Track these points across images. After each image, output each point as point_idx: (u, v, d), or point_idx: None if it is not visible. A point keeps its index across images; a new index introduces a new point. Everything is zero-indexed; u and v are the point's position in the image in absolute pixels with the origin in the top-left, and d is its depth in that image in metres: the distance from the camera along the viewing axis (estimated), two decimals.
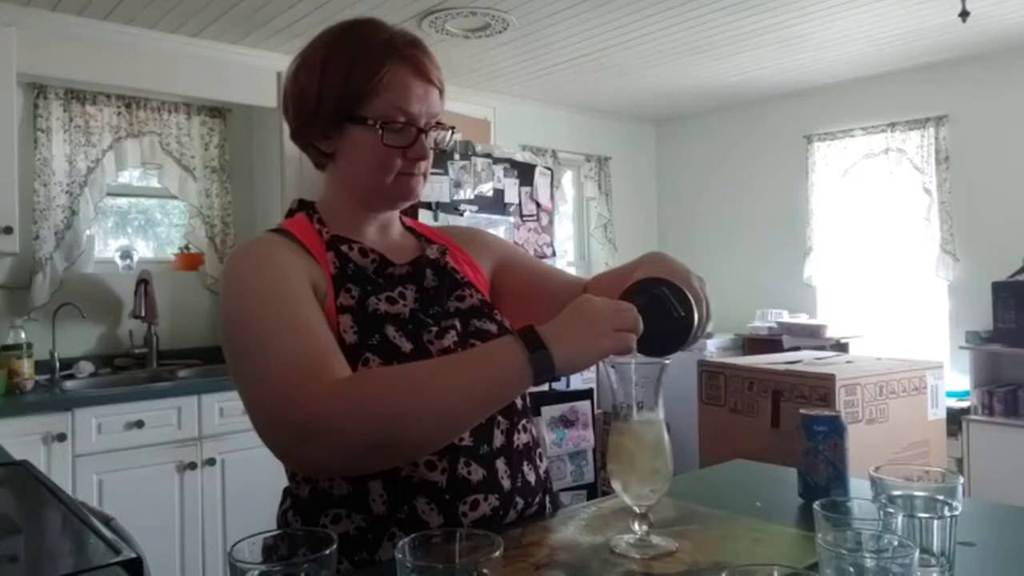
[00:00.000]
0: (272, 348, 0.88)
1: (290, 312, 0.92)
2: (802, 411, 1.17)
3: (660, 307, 0.93)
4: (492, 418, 1.02)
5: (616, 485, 0.93)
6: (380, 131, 1.00)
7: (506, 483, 1.02)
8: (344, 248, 1.05)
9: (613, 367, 0.92)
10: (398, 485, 0.97)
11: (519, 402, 1.08)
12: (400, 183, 1.04)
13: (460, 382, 0.85)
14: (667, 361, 0.93)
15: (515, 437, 1.06)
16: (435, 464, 0.97)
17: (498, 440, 1.03)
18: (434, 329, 1.03)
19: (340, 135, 1.03)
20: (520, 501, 1.04)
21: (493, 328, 1.08)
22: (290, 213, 1.13)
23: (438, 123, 1.07)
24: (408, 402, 0.83)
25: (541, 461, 1.12)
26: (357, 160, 1.04)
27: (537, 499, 1.08)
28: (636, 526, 0.94)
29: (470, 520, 0.98)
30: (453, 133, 1.10)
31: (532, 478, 1.07)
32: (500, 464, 1.02)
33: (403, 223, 1.18)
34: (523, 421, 1.09)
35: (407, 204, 1.11)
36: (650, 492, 0.92)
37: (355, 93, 1.00)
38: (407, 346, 0.99)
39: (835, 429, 1.13)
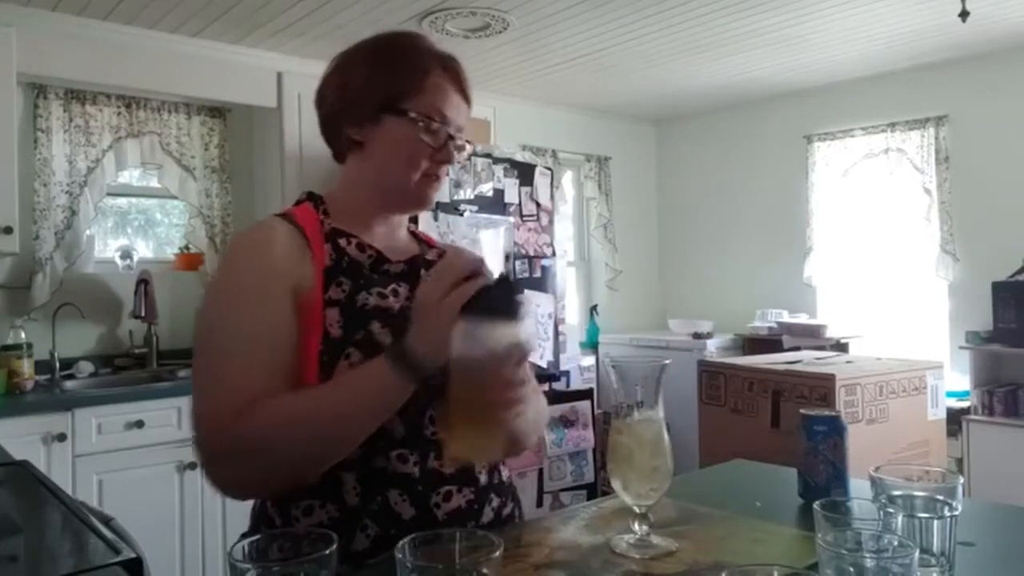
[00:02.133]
0: (210, 374, 0.97)
1: (241, 335, 0.97)
2: (802, 411, 1.17)
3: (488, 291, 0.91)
4: None
5: (616, 484, 0.93)
6: (421, 124, 1.05)
7: (483, 478, 1.06)
8: (342, 241, 1.07)
9: (614, 367, 0.93)
10: (371, 476, 0.98)
11: None
12: (421, 185, 1.08)
13: (341, 406, 0.92)
14: (667, 361, 0.93)
15: None
16: (407, 457, 0.99)
17: None
18: None
19: (376, 125, 1.07)
20: (496, 499, 1.07)
21: None
22: (298, 203, 1.14)
23: (464, 139, 1.12)
24: (298, 441, 0.93)
25: (504, 467, 1.16)
26: (388, 151, 1.08)
27: (510, 501, 1.11)
28: (636, 526, 0.94)
29: (444, 512, 1.00)
30: (473, 150, 1.15)
31: (505, 478, 1.13)
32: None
33: (409, 230, 1.22)
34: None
35: (419, 211, 1.15)
36: (650, 491, 0.92)
37: (403, 87, 1.06)
38: (389, 342, 0.99)
39: (835, 429, 1.13)
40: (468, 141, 1.13)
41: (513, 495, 1.14)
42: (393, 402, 0.92)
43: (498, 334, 0.85)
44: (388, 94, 1.06)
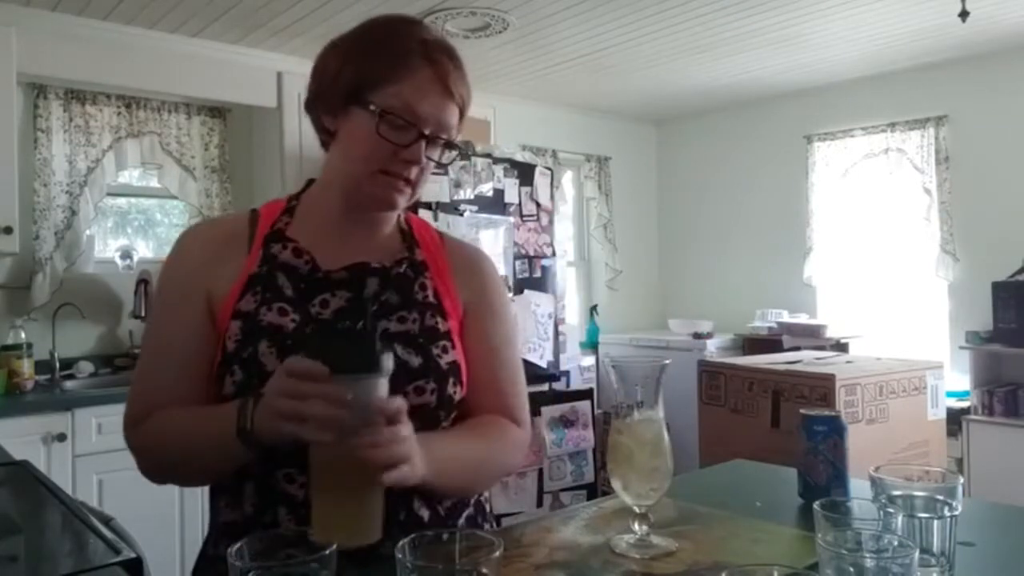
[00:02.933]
0: (134, 378, 1.04)
1: (161, 340, 1.02)
2: (802, 411, 1.17)
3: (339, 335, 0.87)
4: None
5: (616, 484, 0.93)
6: (378, 119, 0.96)
7: (401, 515, 0.96)
8: (276, 248, 1.01)
9: (614, 367, 0.93)
10: (267, 490, 0.96)
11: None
12: (379, 184, 0.99)
13: (200, 446, 0.94)
14: (667, 361, 0.92)
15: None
16: (294, 478, 0.94)
17: None
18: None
19: (345, 114, 1.00)
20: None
21: (416, 361, 0.98)
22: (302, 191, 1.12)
23: (447, 141, 1.01)
24: (166, 454, 0.99)
25: (442, 503, 1.02)
26: (349, 144, 1.01)
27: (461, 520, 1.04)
28: (636, 526, 0.94)
29: None
30: (459, 154, 1.07)
31: (426, 515, 0.99)
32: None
33: (400, 224, 1.11)
34: None
35: (381, 211, 1.04)
36: (649, 491, 0.92)
37: (371, 77, 0.97)
38: (274, 364, 0.93)
39: (835, 429, 1.13)
40: (452, 144, 1.02)
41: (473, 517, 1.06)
42: (239, 457, 0.90)
43: (360, 389, 0.77)
44: (357, 83, 0.98)
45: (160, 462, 1.01)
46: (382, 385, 0.79)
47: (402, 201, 1.02)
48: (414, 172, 1.00)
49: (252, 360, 0.94)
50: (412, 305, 1.03)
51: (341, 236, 1.04)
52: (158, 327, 1.03)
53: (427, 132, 0.98)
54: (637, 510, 0.93)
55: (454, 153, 1.04)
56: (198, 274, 1.01)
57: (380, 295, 1.01)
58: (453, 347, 1.03)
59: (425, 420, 0.96)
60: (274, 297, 0.98)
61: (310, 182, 1.12)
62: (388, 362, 0.79)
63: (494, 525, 1.15)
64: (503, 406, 1.08)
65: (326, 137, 1.06)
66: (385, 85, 0.97)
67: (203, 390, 0.98)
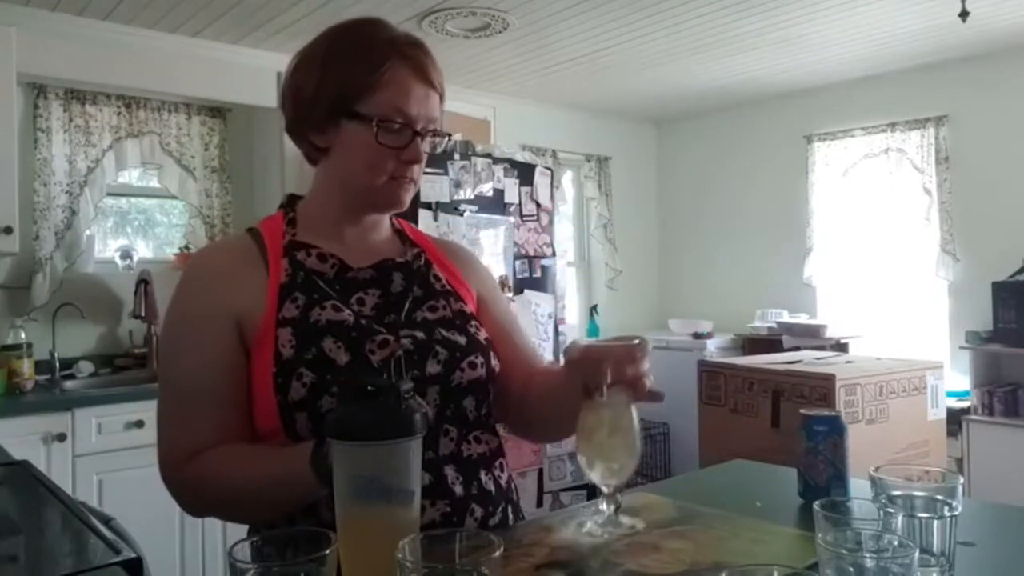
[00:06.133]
0: (164, 418, 1.01)
1: (193, 376, 0.98)
2: (802, 411, 1.17)
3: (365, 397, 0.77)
4: (438, 425, 1.01)
5: (581, 462, 0.95)
6: (376, 129, 0.99)
7: (458, 489, 1.00)
8: (300, 255, 1.03)
9: (586, 346, 0.94)
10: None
11: (472, 413, 1.06)
12: (389, 188, 1.03)
13: (262, 490, 0.92)
14: (636, 341, 0.93)
15: (464, 447, 1.04)
16: None
17: (446, 447, 1.02)
18: (379, 338, 0.99)
19: (335, 130, 1.02)
20: (479, 509, 1.02)
21: (462, 339, 1.05)
22: (281, 206, 1.12)
23: (434, 130, 1.05)
24: (219, 494, 0.97)
25: (503, 471, 1.11)
26: (349, 157, 1.02)
27: (500, 508, 1.07)
28: (603, 505, 0.95)
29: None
30: (449, 139, 1.09)
31: (492, 487, 1.06)
32: (449, 471, 1.00)
33: (394, 225, 1.16)
34: (477, 432, 1.07)
35: (392, 211, 1.09)
36: (612, 469, 0.93)
37: (354, 88, 0.99)
38: (344, 358, 0.96)
39: (835, 429, 1.13)
40: (440, 133, 1.06)
41: (508, 500, 1.10)
42: (307, 498, 0.90)
43: (371, 459, 0.72)
44: (342, 97, 0.99)
45: (209, 502, 1.00)
46: (418, 447, 0.76)
47: (409, 198, 1.06)
48: (416, 170, 1.04)
49: (320, 359, 0.95)
50: (437, 294, 1.09)
51: (346, 242, 1.08)
52: (186, 362, 0.99)
53: (419, 129, 1.02)
54: (605, 489, 0.94)
55: (443, 140, 1.08)
56: (222, 300, 1.00)
57: (406, 295, 1.06)
58: (481, 326, 1.11)
59: (480, 393, 1.06)
60: (322, 297, 1.00)
61: (292, 197, 1.13)
62: (423, 421, 0.76)
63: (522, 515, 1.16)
64: (536, 361, 1.20)
65: (315, 154, 1.07)
66: (370, 93, 0.99)
67: (244, 421, 0.98)
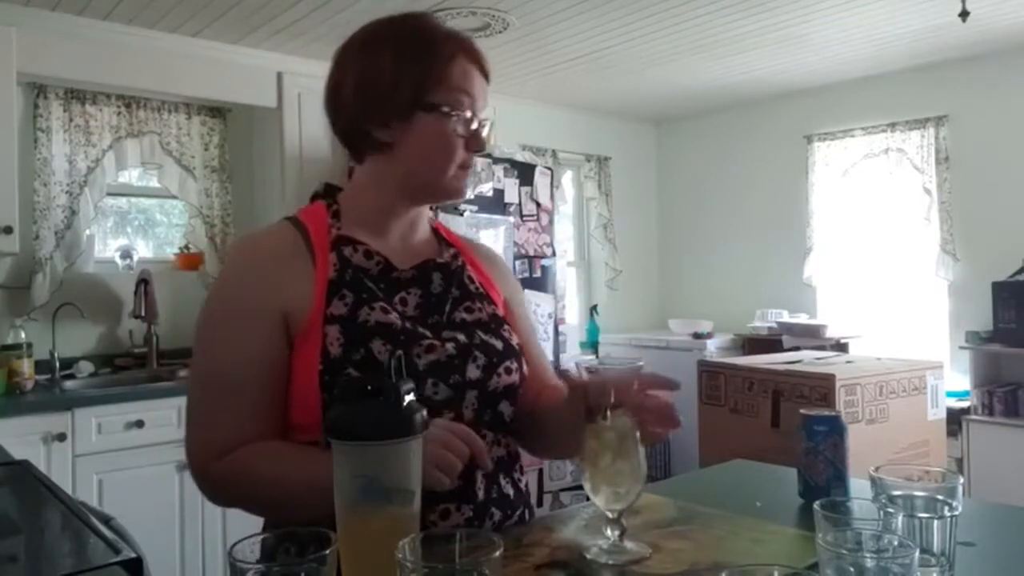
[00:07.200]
0: (199, 409, 1.00)
1: (234, 369, 0.97)
2: (802, 411, 1.17)
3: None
4: (476, 430, 1.00)
5: (587, 488, 0.92)
6: (453, 118, 1.01)
7: (480, 494, 1.01)
8: (347, 251, 1.03)
9: (588, 370, 0.92)
10: None
11: (508, 418, 1.07)
12: (457, 178, 1.05)
13: (296, 493, 0.91)
14: (641, 363, 0.91)
15: (492, 450, 1.04)
16: None
17: None
18: (425, 343, 1.00)
19: (406, 123, 1.01)
20: (497, 512, 1.03)
21: (498, 344, 1.06)
22: (315, 196, 1.11)
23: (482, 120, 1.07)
24: (251, 492, 0.97)
25: (521, 475, 1.11)
26: (423, 149, 1.02)
27: (517, 512, 1.07)
28: (608, 531, 0.92)
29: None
30: (491, 128, 1.09)
31: (511, 491, 1.06)
32: (477, 475, 1.01)
33: (432, 226, 1.17)
34: (498, 435, 1.07)
35: (456, 200, 1.12)
36: (617, 494, 0.90)
37: (429, 80, 1.00)
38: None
39: (835, 429, 1.13)
40: (485, 121, 1.08)
41: (525, 504, 1.10)
42: (326, 497, 0.88)
43: (371, 459, 0.72)
44: (417, 90, 1.00)
45: (239, 499, 1.00)
46: (418, 447, 0.76)
47: (468, 188, 1.10)
48: (477, 158, 1.08)
49: (368, 360, 0.95)
50: (472, 296, 1.10)
51: (389, 238, 1.08)
52: (228, 355, 0.98)
53: (481, 118, 1.05)
54: (609, 515, 0.91)
55: (487, 128, 1.08)
56: (270, 293, 0.98)
57: (446, 296, 1.07)
58: (512, 330, 1.12)
59: (513, 397, 1.07)
60: (370, 297, 1.00)
61: (330, 186, 1.12)
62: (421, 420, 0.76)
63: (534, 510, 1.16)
64: (548, 376, 1.21)
65: (371, 150, 1.05)
66: (442, 84, 1.01)
67: (279, 416, 0.98)
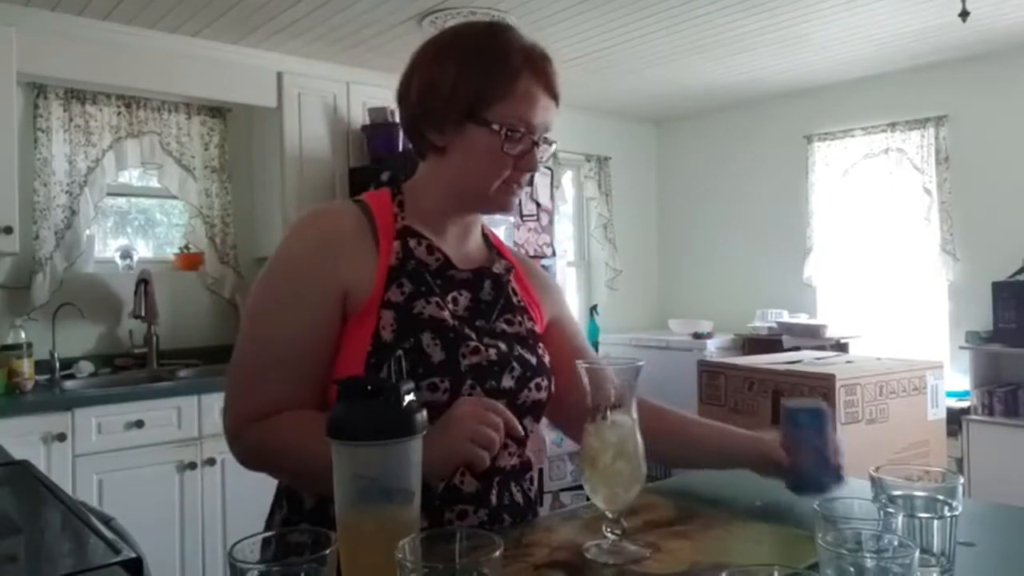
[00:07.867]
0: (243, 374, 1.01)
1: (286, 338, 0.98)
2: (783, 403, 1.16)
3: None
4: None
5: (586, 487, 0.92)
6: (503, 137, 1.01)
7: (494, 499, 1.04)
8: (412, 242, 1.05)
9: (587, 369, 0.91)
10: None
11: (529, 432, 1.08)
12: (501, 193, 1.06)
13: (317, 461, 0.88)
14: (641, 363, 0.91)
15: (500, 459, 1.05)
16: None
17: (501, 460, 1.04)
18: (472, 344, 1.02)
19: (458, 132, 1.03)
20: (508, 519, 1.05)
21: (532, 360, 1.08)
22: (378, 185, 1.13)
23: (546, 138, 1.07)
24: (281, 462, 0.99)
25: (532, 484, 1.12)
26: (469, 160, 1.04)
27: (525, 520, 1.08)
28: (608, 531, 0.92)
29: None
30: (553, 148, 1.09)
31: (520, 499, 1.08)
32: (493, 480, 1.03)
33: (484, 233, 1.20)
34: (512, 445, 1.08)
35: (500, 213, 1.12)
36: (616, 494, 0.90)
37: (488, 95, 1.01)
38: (439, 356, 0.99)
39: (818, 418, 1.12)
40: (550, 141, 1.08)
41: (534, 514, 1.11)
42: None
43: (371, 459, 0.72)
44: (473, 102, 1.01)
45: (269, 467, 1.01)
46: (418, 447, 0.76)
47: (516, 202, 1.10)
48: (527, 178, 1.08)
49: (416, 351, 0.97)
50: (515, 308, 1.12)
51: (447, 239, 1.10)
52: (283, 326, 0.99)
53: (538, 140, 1.04)
54: (609, 515, 0.91)
55: (550, 148, 1.09)
56: (334, 271, 1.00)
57: (494, 304, 1.09)
58: (545, 349, 1.13)
59: (538, 414, 1.10)
60: (427, 290, 1.02)
61: (394, 180, 1.14)
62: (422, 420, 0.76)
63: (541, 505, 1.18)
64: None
65: (429, 151, 1.08)
66: (502, 101, 1.01)
67: (320, 390, 0.99)
